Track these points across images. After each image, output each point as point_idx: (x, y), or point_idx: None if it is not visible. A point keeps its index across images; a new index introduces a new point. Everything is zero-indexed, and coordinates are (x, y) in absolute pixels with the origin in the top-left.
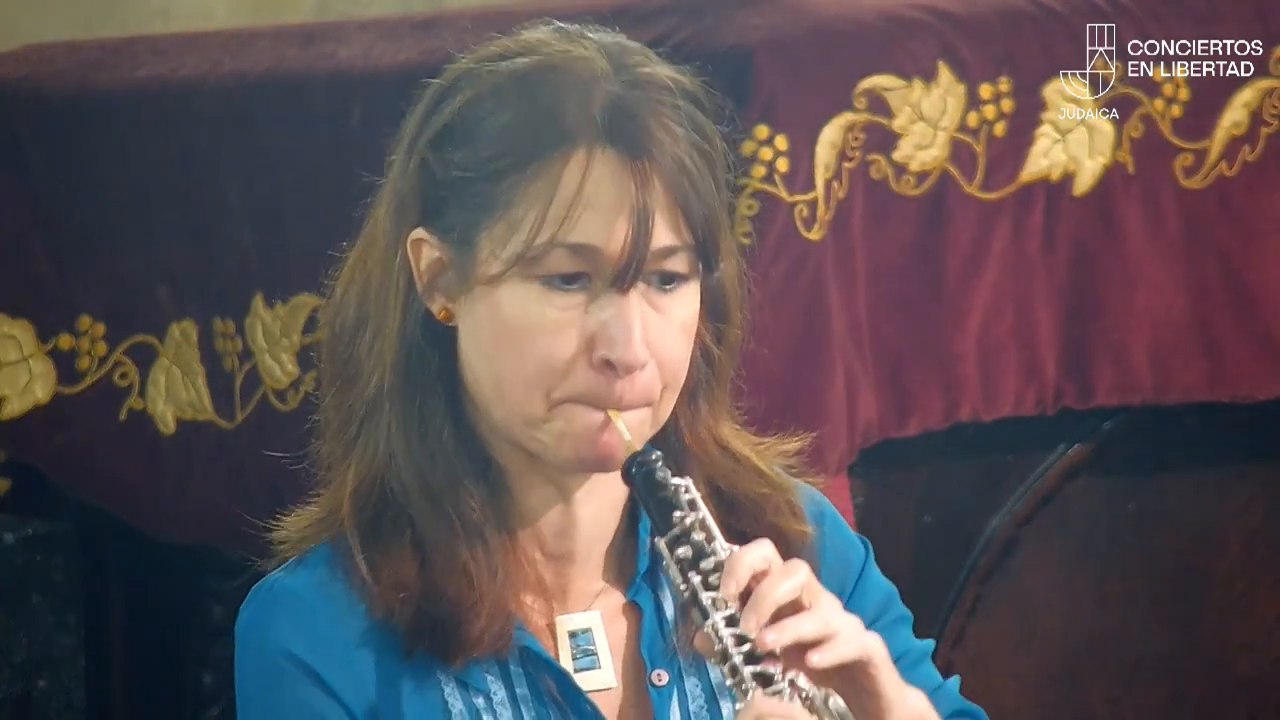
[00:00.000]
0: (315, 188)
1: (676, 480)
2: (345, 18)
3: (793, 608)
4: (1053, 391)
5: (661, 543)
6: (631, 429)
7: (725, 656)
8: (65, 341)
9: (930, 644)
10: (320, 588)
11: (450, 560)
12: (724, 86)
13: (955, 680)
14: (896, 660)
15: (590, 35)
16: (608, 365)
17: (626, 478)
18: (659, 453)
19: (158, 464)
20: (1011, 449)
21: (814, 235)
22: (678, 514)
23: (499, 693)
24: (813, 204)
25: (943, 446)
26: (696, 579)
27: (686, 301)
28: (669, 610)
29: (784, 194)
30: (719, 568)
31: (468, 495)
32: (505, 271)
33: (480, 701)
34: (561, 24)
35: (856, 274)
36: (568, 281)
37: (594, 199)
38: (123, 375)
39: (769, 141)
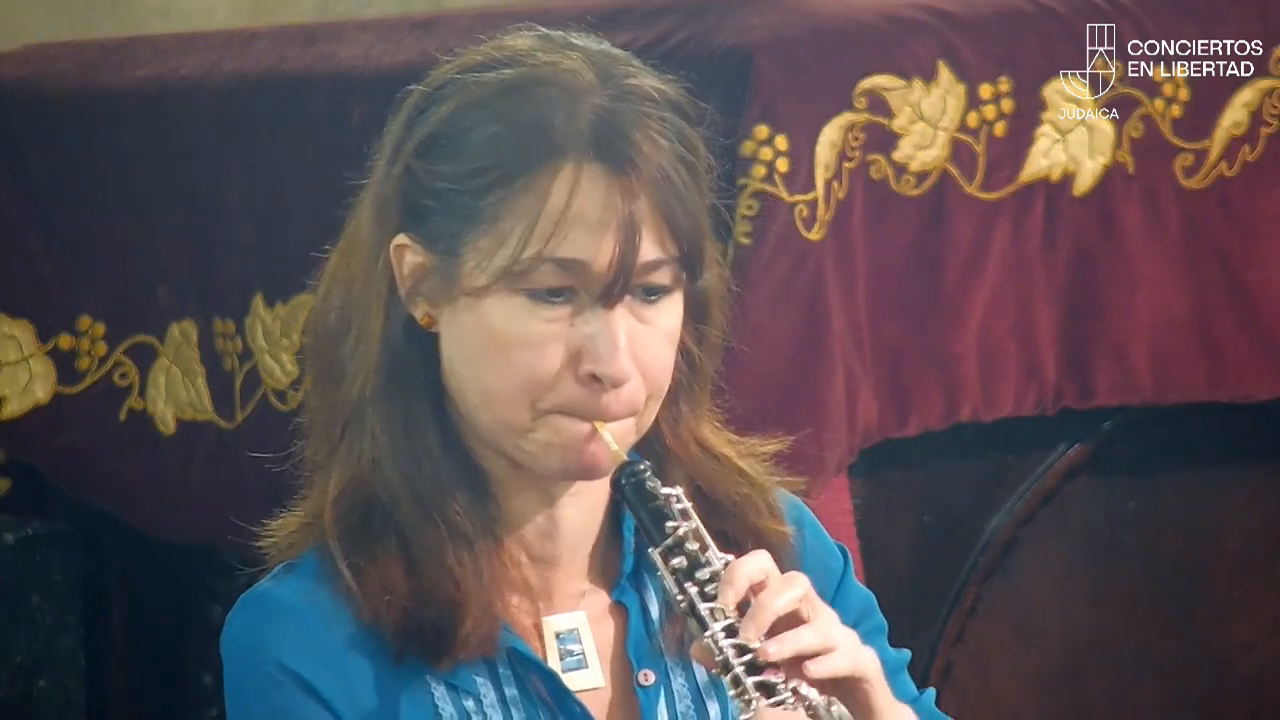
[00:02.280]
0: (315, 188)
1: (667, 490)
2: (345, 18)
3: (791, 619)
4: (1053, 391)
5: (655, 553)
6: (616, 438)
7: (727, 667)
8: (65, 341)
9: (906, 655)
10: (308, 595)
11: (437, 564)
12: (724, 86)
13: (930, 693)
14: None
15: (576, 43)
16: (594, 379)
17: (616, 488)
18: (647, 462)
19: (158, 464)
20: (1011, 449)
21: (814, 235)
22: (670, 524)
23: (489, 695)
24: (813, 204)
25: (943, 446)
26: (693, 590)
27: (670, 311)
28: (654, 610)
29: (784, 194)
30: (715, 578)
31: (453, 499)
32: (491, 284)
33: (470, 704)
34: (546, 31)
35: (856, 274)
36: (553, 294)
37: (581, 214)
38: (123, 375)
39: (769, 141)
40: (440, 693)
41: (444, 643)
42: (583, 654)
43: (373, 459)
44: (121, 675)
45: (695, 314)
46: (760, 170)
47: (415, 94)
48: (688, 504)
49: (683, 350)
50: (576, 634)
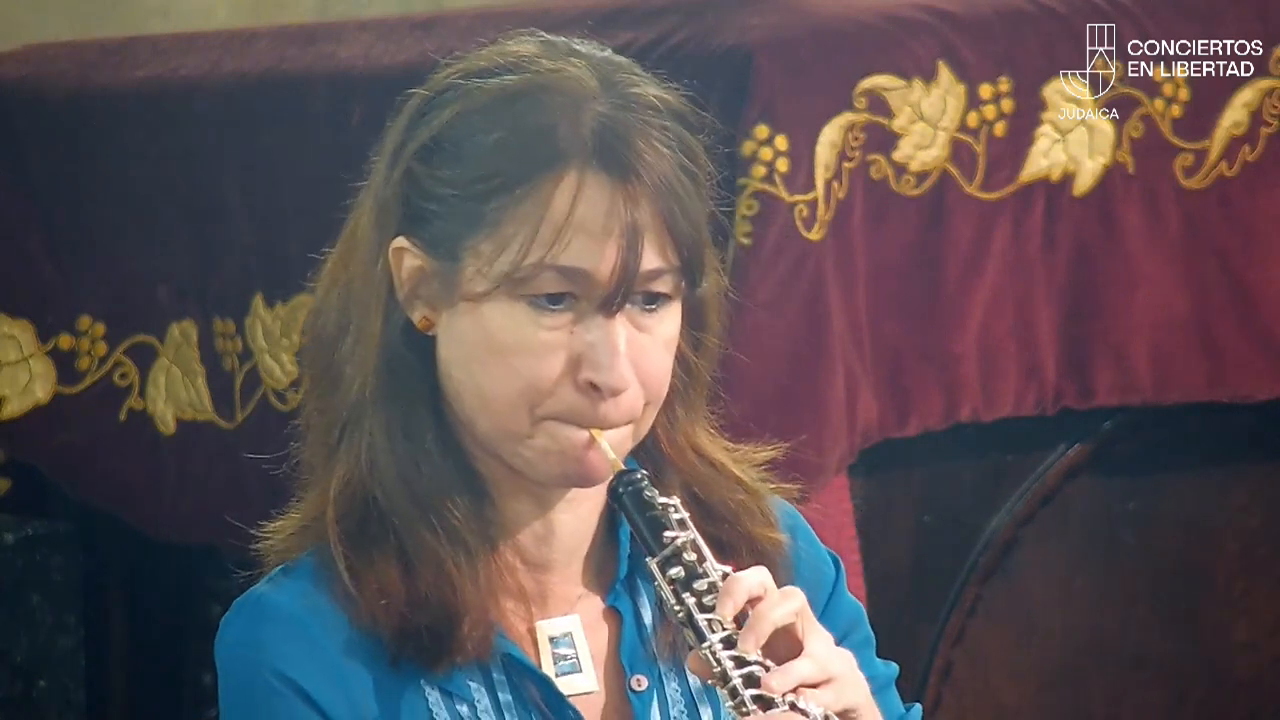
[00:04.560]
0: (315, 188)
1: (664, 499)
2: (345, 18)
3: (787, 633)
4: (1053, 391)
5: (653, 563)
6: (614, 445)
7: (725, 679)
8: (65, 341)
9: (894, 669)
10: (305, 599)
11: (434, 568)
12: (724, 86)
13: (916, 709)
14: None
15: (579, 49)
16: (593, 387)
17: (613, 497)
18: (644, 471)
19: (158, 464)
20: (1011, 449)
21: (814, 235)
22: (668, 534)
23: (483, 700)
24: (813, 204)
25: (943, 446)
26: (691, 601)
27: (670, 319)
28: (648, 616)
29: (784, 194)
30: (713, 589)
31: (451, 503)
32: (491, 290)
33: (464, 710)
34: (549, 37)
35: (856, 274)
36: (554, 301)
37: (584, 222)
38: (123, 375)
39: (769, 141)
40: (435, 698)
41: (440, 647)
42: (576, 658)
43: (370, 462)
44: (121, 675)
45: (693, 321)
46: (760, 170)
47: (416, 97)
48: (685, 514)
49: (680, 357)
50: (570, 638)
